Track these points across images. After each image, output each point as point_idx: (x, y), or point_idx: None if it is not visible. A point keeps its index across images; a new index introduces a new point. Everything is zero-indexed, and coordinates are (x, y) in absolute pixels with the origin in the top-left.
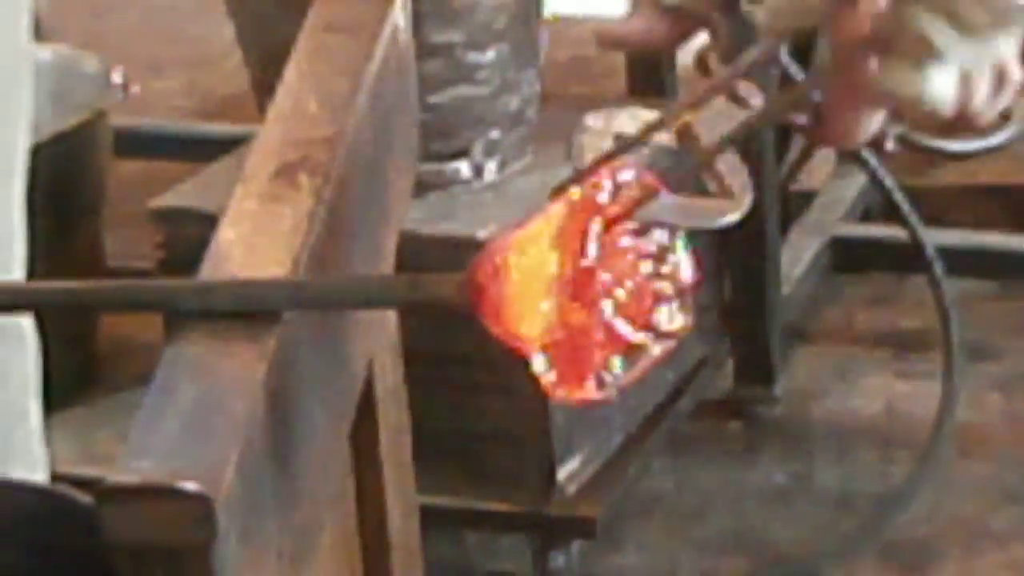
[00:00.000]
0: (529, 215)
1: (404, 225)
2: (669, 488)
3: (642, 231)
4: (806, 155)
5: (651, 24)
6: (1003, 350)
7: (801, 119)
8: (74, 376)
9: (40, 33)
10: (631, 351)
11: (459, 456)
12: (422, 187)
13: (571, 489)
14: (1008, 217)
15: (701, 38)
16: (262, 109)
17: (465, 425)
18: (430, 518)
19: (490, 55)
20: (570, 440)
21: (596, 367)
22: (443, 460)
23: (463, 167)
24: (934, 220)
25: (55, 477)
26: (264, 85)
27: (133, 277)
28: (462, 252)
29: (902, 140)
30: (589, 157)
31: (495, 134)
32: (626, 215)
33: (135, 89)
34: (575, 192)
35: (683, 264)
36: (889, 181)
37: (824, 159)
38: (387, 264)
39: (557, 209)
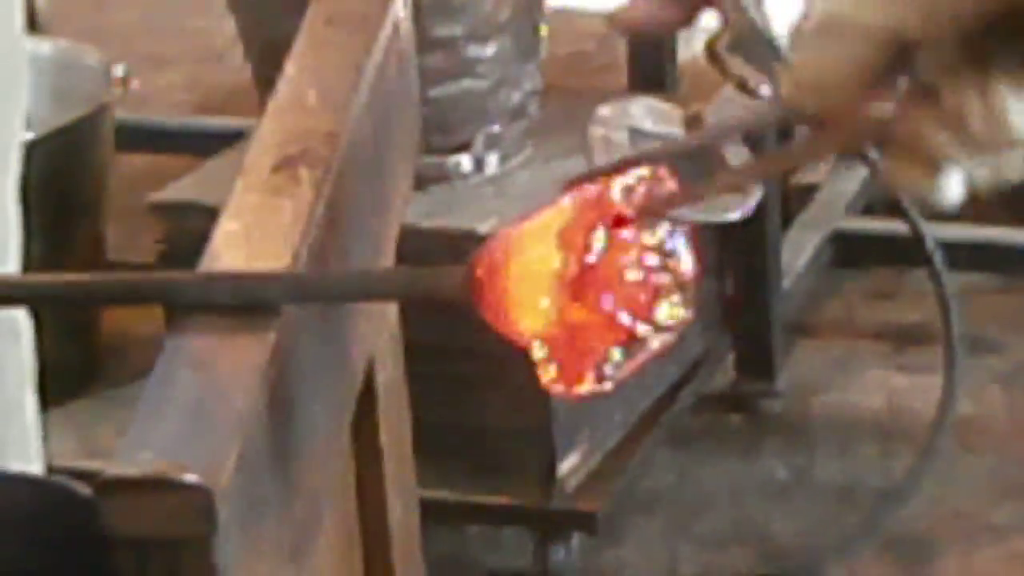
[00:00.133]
0: (531, 209)
1: (405, 218)
2: (670, 482)
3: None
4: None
5: (661, 5)
6: (1004, 344)
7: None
8: (75, 370)
9: (42, 27)
10: (631, 343)
11: (460, 450)
12: (423, 180)
13: (572, 483)
14: (1009, 211)
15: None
16: (263, 103)
17: (466, 419)
18: (431, 512)
19: (491, 49)
20: (571, 434)
21: (596, 361)
22: (444, 454)
23: (464, 161)
24: (935, 214)
25: (54, 470)
26: (265, 79)
27: (134, 271)
28: (463, 246)
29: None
30: (603, 151)
31: (496, 128)
32: (636, 217)
33: (136, 83)
34: (587, 189)
35: (684, 257)
36: None
37: None
38: (387, 257)
39: (566, 205)
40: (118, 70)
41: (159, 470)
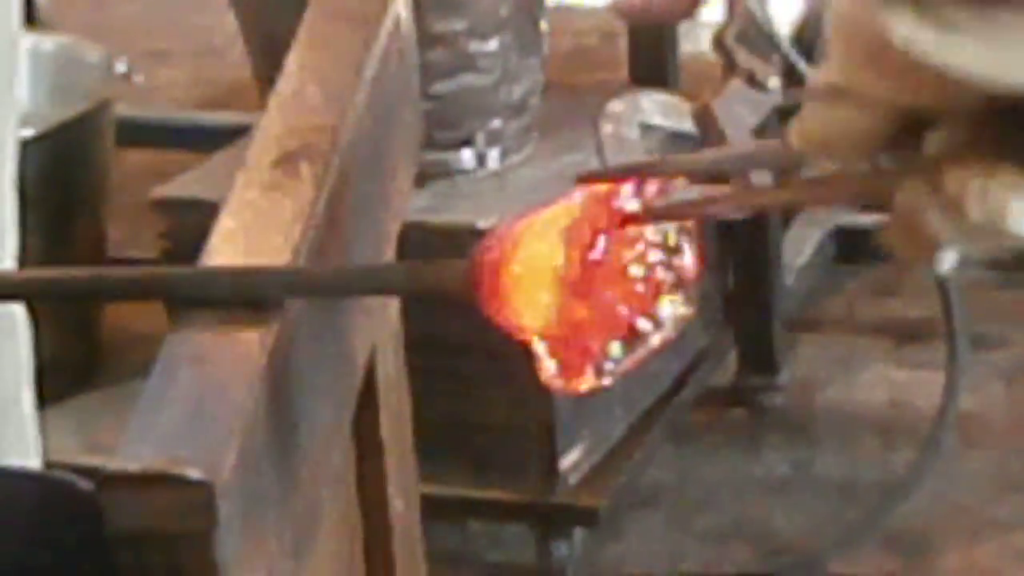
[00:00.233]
0: (533, 204)
1: (407, 214)
2: (672, 478)
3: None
4: None
5: None
6: (1006, 339)
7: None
8: (77, 366)
9: (43, 23)
10: (631, 339)
11: (462, 446)
12: (425, 176)
13: (574, 479)
14: None
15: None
16: (264, 99)
17: (468, 414)
18: (432, 507)
19: (493, 44)
20: (573, 430)
21: (595, 357)
22: (446, 450)
23: (466, 156)
24: None
25: (56, 466)
26: (267, 74)
27: (136, 267)
28: (465, 241)
29: None
30: (614, 147)
31: (498, 123)
32: (646, 222)
33: (138, 79)
34: (597, 188)
35: (687, 254)
36: None
37: None
38: (388, 253)
39: (575, 201)
40: (120, 66)
41: (159, 465)
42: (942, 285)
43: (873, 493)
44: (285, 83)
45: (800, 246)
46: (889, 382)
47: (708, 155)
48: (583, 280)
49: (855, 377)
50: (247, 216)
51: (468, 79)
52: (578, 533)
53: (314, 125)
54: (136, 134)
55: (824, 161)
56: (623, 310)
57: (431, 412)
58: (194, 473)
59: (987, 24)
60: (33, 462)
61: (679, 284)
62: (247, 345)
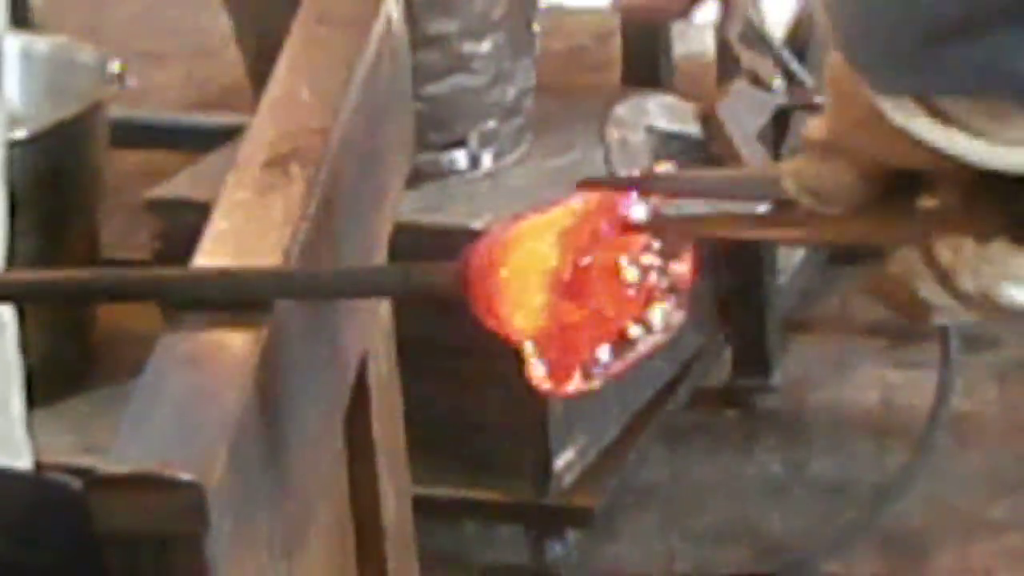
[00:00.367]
0: (525, 206)
1: (399, 215)
2: (666, 478)
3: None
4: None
5: None
6: (999, 339)
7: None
8: (70, 367)
9: (38, 24)
10: (621, 344)
11: (456, 446)
12: (418, 177)
13: (568, 479)
14: None
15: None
16: (258, 100)
17: (462, 415)
18: (426, 508)
19: (486, 45)
20: (567, 430)
21: (584, 360)
22: (440, 450)
23: (459, 157)
24: None
25: (48, 466)
26: (260, 76)
27: (128, 267)
28: (457, 242)
29: None
30: (620, 153)
31: (491, 124)
32: (642, 231)
33: (132, 80)
34: (598, 194)
35: (680, 260)
36: None
37: None
38: (381, 254)
39: (570, 206)
40: (114, 67)
41: (151, 467)
42: None
43: (866, 493)
44: (277, 84)
45: (793, 247)
46: (882, 383)
47: (710, 175)
48: (575, 284)
49: (848, 377)
50: (239, 217)
51: (461, 80)
52: (572, 534)
53: (306, 126)
54: (130, 135)
55: (819, 208)
56: (614, 315)
57: (424, 413)
58: (185, 475)
59: (988, 119)
60: (23, 463)
61: (672, 289)
62: (238, 347)
